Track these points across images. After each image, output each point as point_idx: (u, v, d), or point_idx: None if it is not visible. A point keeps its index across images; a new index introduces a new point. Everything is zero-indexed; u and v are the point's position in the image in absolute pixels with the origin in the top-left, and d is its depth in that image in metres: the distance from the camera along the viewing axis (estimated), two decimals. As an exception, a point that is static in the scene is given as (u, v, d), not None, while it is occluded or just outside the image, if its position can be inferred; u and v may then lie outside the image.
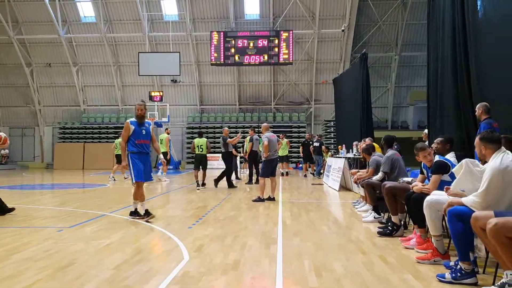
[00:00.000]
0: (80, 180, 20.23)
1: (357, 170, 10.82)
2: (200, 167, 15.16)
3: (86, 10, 31.46)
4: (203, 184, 15.14)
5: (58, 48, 32.03)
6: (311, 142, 21.43)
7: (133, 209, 8.51)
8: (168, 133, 19.15)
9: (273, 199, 11.25)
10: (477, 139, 4.58)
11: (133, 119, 8.40)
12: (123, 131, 8.36)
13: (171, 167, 29.53)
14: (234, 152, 16.61)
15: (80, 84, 33.23)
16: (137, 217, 8.33)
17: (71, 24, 31.79)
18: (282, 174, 21.27)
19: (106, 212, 9.25)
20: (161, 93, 29.94)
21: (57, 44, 31.88)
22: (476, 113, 7.19)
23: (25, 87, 33.57)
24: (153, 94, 29.79)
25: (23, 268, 4.92)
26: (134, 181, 8.24)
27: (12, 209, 9.07)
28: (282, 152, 21.10)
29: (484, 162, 4.67)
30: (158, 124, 29.78)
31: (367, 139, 12.55)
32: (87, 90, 33.71)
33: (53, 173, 25.79)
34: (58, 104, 34.00)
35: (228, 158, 15.55)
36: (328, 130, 29.94)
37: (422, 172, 6.42)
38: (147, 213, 8.29)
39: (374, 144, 10.80)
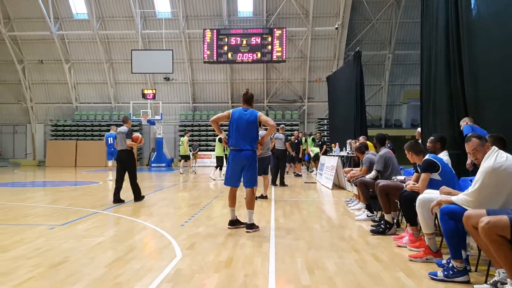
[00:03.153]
0: (72, 177, 20.12)
1: (350, 168, 10.85)
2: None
3: (79, 7, 31.26)
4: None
5: (50, 45, 31.82)
6: (296, 141, 21.41)
7: (249, 222, 7.05)
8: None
9: (266, 197, 11.25)
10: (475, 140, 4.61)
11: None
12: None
13: (163, 164, 29.54)
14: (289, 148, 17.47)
15: (73, 81, 33.05)
16: (253, 229, 6.98)
17: (63, 21, 31.58)
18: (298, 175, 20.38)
19: (98, 210, 9.22)
20: (154, 91, 29.90)
21: (49, 41, 31.67)
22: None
23: (17, 84, 33.33)
24: (146, 91, 29.75)
25: (15, 266, 4.89)
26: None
27: (143, 197, 10.84)
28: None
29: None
30: (151, 122, 29.72)
31: (361, 138, 12.59)
32: (79, 87, 33.53)
33: (45, 171, 25.64)
34: (50, 101, 33.80)
35: (285, 156, 15.55)
36: (321, 128, 29.99)
37: (417, 171, 6.44)
38: (234, 222, 7.22)
39: (367, 142, 10.84)
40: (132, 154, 10.84)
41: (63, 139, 32.46)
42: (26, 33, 31.51)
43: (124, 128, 10.72)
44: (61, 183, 16.53)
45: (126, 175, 10.61)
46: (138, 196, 10.74)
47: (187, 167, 22.13)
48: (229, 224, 7.21)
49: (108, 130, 18.36)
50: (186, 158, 21.93)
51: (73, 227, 7.24)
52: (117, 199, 10.40)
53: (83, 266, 4.91)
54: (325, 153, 20.56)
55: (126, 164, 10.61)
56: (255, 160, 7.08)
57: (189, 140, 23.21)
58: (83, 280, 4.41)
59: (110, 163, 17.72)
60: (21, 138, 34.39)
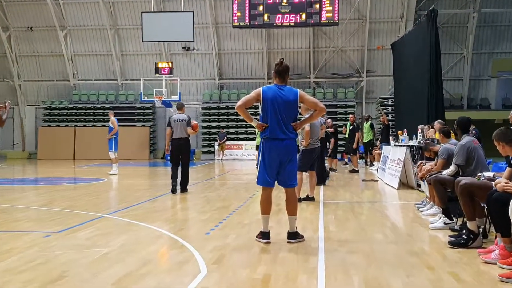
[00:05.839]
0: (71, 173, 20.61)
1: (423, 161, 10.67)
2: None
3: (76, -41, 31.79)
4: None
5: (42, 8, 32.49)
6: (352, 127, 21.16)
7: (291, 231, 7.06)
8: None
9: (313, 199, 11.23)
10: None
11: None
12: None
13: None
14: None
15: (70, 53, 33.70)
16: (296, 239, 7.01)
17: (58, -23, 32.20)
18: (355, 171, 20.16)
19: (103, 214, 9.42)
20: (170, 64, 30.12)
21: (40, 3, 32.34)
22: None
23: (1, 57, 34.26)
24: (160, 65, 30.01)
25: (3, 281, 5.06)
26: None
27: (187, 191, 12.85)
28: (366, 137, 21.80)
29: None
30: (167, 104, 30.04)
31: (435, 123, 12.39)
32: (78, 61, 34.19)
33: (37, 165, 26.34)
34: (43, 78, 34.63)
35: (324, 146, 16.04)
36: (384, 110, 29.58)
37: (510, 165, 6.30)
38: (264, 235, 6.98)
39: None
40: (190, 142, 12.94)
41: (58, 125, 33.21)
42: (12, -6, 32.31)
43: (183, 116, 12.75)
44: (56, 180, 16.97)
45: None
46: (186, 186, 12.90)
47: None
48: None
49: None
50: None
51: (72, 235, 7.43)
52: (183, 188, 12.75)
53: (85, 283, 5.04)
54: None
55: (185, 152, 12.79)
56: (296, 152, 7.09)
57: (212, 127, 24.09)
58: (86, 299, 4.55)
59: (114, 154, 18.62)
60: (7, 125, 35.27)
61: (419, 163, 10.60)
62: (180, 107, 13.25)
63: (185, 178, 12.88)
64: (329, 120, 21.76)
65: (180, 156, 12.84)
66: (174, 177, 12.73)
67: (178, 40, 30.62)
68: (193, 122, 13.06)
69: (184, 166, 12.83)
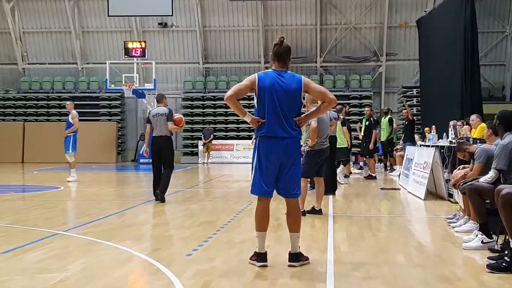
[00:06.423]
0: (19, 179, 20.54)
1: (461, 166, 10.63)
2: None
3: None
4: None
5: (-17, -27, 32.43)
6: (368, 123, 21.08)
7: (293, 251, 7.01)
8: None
9: (320, 211, 11.24)
10: None
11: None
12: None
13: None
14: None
15: (18, 30, 33.56)
16: (300, 262, 6.96)
17: None
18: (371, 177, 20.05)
19: (59, 230, 9.40)
20: (143, 44, 30.01)
21: (-19, -33, 32.29)
22: None
23: None
24: (130, 45, 29.88)
25: None
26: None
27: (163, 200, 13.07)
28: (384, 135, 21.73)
29: None
30: (139, 94, 29.94)
31: (473, 116, 12.41)
32: (28, 39, 34.08)
33: (-23, 169, 26.22)
34: (-16, 61, 34.51)
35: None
36: (408, 102, 29.51)
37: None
38: (260, 257, 6.93)
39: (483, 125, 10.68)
40: (172, 141, 13.53)
41: (3, 119, 33.08)
42: None
43: (163, 109, 13.15)
44: (1, 189, 16.90)
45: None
46: (163, 195, 13.03)
47: None
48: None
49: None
50: None
51: (21, 256, 7.41)
52: (160, 196, 12.92)
53: (38, 316, 5.04)
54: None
55: (167, 153, 13.17)
56: (299, 154, 7.07)
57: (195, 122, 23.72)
58: (38, 337, 4.54)
59: (73, 156, 18.42)
60: None
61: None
62: (160, 99, 13.63)
63: (164, 184, 13.02)
64: (367, 109, 21.66)
65: (160, 158, 13.12)
66: (156, 183, 13.06)
67: (153, 15, 30.57)
68: (176, 115, 13.43)
69: (166, 169, 13.12)
